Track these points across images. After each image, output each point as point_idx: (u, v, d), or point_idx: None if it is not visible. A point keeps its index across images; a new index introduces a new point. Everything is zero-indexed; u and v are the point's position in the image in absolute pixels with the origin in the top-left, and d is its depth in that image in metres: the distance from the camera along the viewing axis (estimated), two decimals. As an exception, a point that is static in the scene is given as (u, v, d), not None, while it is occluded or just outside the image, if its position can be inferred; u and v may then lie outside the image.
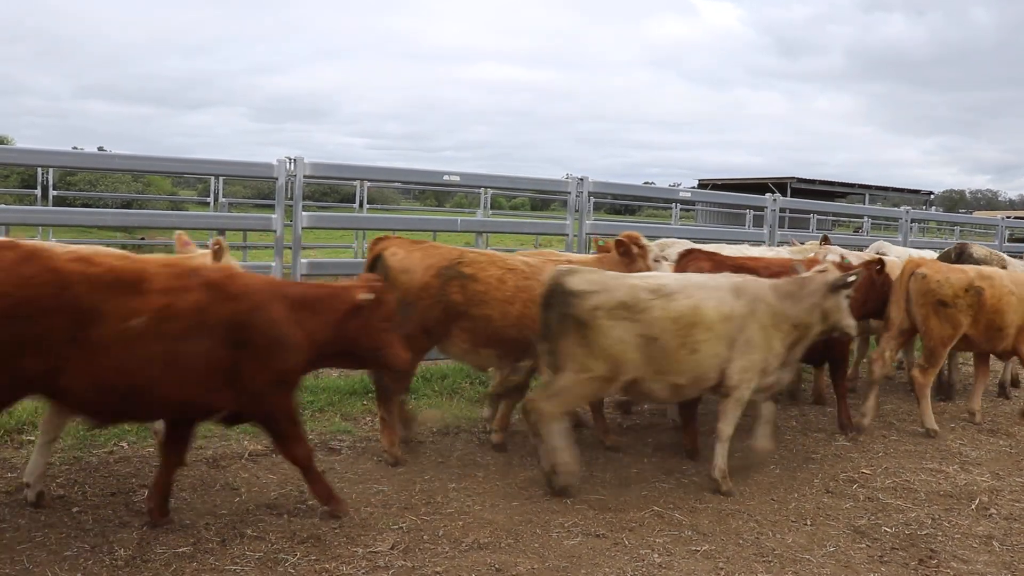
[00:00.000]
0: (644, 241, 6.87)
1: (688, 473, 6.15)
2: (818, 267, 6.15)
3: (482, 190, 18.08)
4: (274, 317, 4.63)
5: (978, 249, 9.61)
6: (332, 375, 7.99)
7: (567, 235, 8.89)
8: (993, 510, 5.75)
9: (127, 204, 22.78)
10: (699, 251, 7.52)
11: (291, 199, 7.47)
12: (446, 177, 8.26)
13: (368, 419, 6.91)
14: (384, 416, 6.09)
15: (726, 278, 5.89)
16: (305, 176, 7.45)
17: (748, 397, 5.81)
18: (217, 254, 5.48)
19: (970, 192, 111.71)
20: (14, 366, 4.04)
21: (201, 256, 5.49)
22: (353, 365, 5.87)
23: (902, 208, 13.00)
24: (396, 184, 24.79)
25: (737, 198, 16.91)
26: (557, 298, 5.44)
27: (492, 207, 20.81)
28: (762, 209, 11.15)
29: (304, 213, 7.58)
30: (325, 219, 9.42)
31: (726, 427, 5.80)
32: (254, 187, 34.27)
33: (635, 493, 5.70)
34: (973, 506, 5.80)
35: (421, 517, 5.07)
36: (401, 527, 4.90)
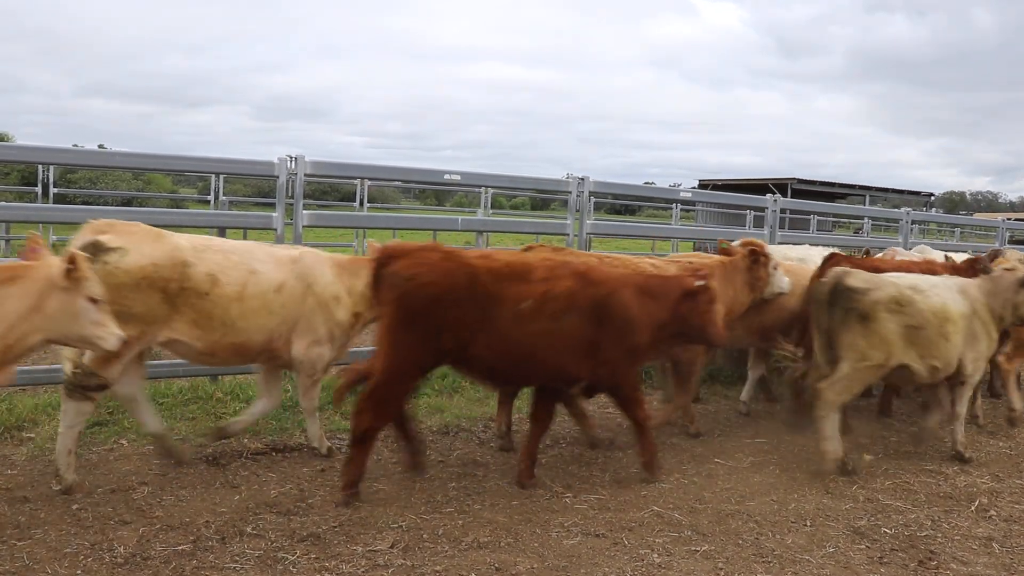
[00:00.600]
0: (768, 249, 7.46)
1: (688, 473, 6.15)
2: (1006, 265, 7.07)
3: (483, 189, 18.09)
4: (626, 301, 5.60)
5: (1013, 253, 9.66)
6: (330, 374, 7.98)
7: (568, 235, 8.88)
8: (993, 512, 5.75)
9: (127, 202, 22.78)
10: (842, 256, 8.11)
11: (292, 197, 7.46)
12: (447, 176, 8.26)
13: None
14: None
15: (949, 279, 6.82)
16: (306, 175, 7.44)
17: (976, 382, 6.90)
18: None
19: (970, 194, 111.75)
20: (438, 341, 5.14)
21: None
22: (679, 343, 6.51)
23: (903, 210, 13.01)
24: (397, 183, 24.80)
25: (737, 198, 16.88)
26: (841, 295, 6.21)
27: (492, 207, 20.82)
28: (763, 210, 11.14)
29: (305, 212, 7.57)
30: (326, 218, 9.39)
31: (961, 409, 6.72)
32: (254, 185, 34.29)
33: (635, 493, 5.70)
34: (973, 508, 5.79)
35: (421, 516, 5.07)
36: (401, 526, 4.90)
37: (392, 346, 5.17)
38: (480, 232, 9.49)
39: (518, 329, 5.27)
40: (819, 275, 7.06)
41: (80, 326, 4.40)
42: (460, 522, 5.03)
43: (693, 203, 26.12)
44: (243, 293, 5.45)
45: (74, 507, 4.90)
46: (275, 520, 4.88)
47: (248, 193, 32.68)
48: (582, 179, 8.71)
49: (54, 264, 4.34)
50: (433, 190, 33.68)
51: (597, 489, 5.73)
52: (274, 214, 7.45)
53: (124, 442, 6.05)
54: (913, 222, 12.99)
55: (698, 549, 4.84)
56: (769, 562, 4.72)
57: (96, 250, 4.98)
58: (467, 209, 21.77)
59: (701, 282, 5.86)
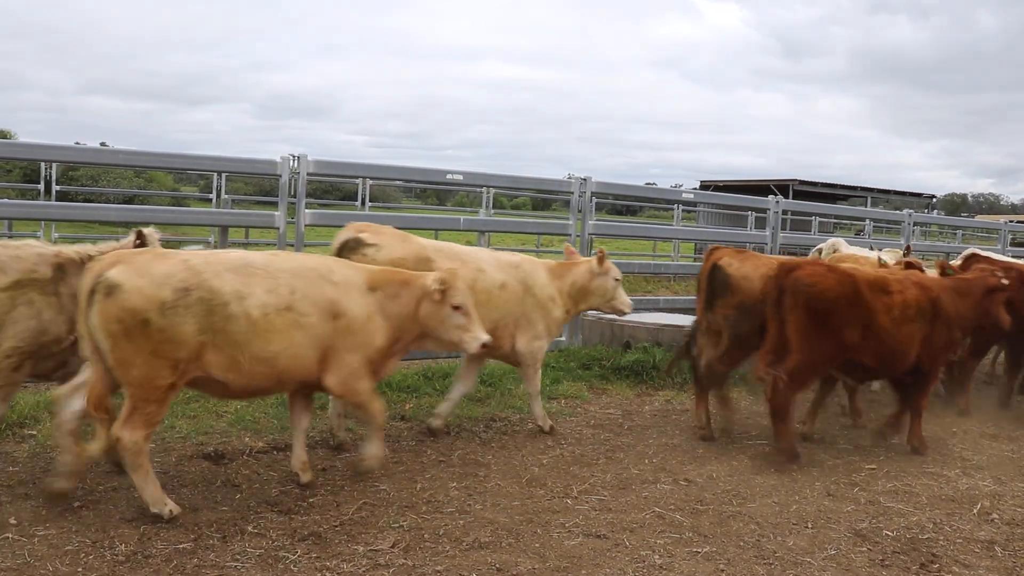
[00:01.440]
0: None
1: (689, 474, 6.14)
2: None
3: (484, 189, 18.08)
4: (946, 302, 6.86)
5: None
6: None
7: (569, 235, 8.88)
8: (995, 515, 5.74)
9: (129, 200, 22.79)
10: (982, 255, 8.97)
11: (294, 196, 7.47)
12: (449, 176, 8.27)
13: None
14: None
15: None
16: (308, 174, 7.45)
17: None
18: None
19: (972, 196, 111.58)
20: (840, 336, 6.41)
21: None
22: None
23: (905, 211, 12.99)
24: (398, 182, 24.81)
25: (739, 199, 16.85)
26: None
27: (493, 206, 20.84)
28: (765, 211, 11.14)
29: (307, 211, 7.57)
30: (328, 217, 9.38)
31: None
32: (256, 184, 34.27)
33: (636, 494, 5.69)
34: (975, 511, 5.78)
35: (422, 516, 5.07)
36: (402, 526, 4.90)
37: (803, 339, 6.38)
38: (482, 232, 9.45)
39: (891, 329, 6.53)
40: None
41: (446, 330, 5.46)
42: (461, 522, 5.02)
43: (695, 204, 26.11)
44: (472, 288, 6.01)
45: (75, 504, 4.90)
46: (276, 519, 4.88)
47: (250, 192, 32.68)
48: (584, 179, 8.71)
49: (428, 277, 5.42)
50: (435, 190, 33.71)
51: (598, 490, 5.72)
52: (276, 213, 7.47)
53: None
54: (915, 224, 12.96)
55: (699, 551, 4.83)
56: (771, 564, 4.71)
57: (357, 244, 6.25)
58: (469, 209, 21.74)
59: (1005, 282, 7.24)
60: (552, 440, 6.79)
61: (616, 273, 7.12)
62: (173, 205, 23.30)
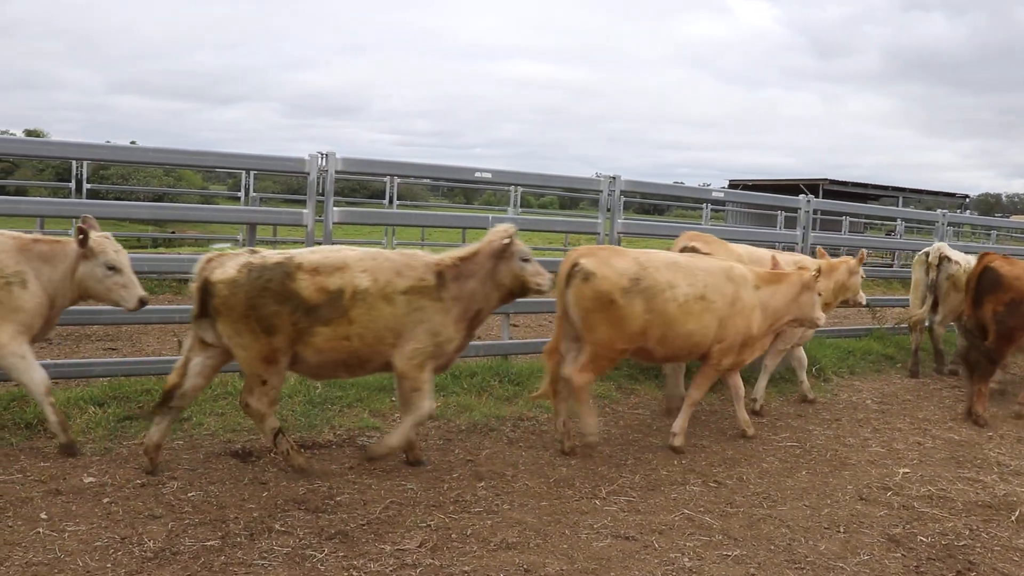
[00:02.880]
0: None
1: (719, 476, 6.07)
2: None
3: (513, 188, 18.03)
4: None
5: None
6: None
7: (599, 234, 8.82)
8: (1033, 522, 5.62)
9: (158, 198, 22.97)
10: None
11: (322, 194, 7.46)
12: (478, 174, 8.23)
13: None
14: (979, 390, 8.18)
15: None
16: (337, 171, 7.43)
17: None
18: None
19: (1007, 196, 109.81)
20: None
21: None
22: None
23: (939, 211, 12.81)
24: (426, 180, 24.83)
25: (769, 199, 16.67)
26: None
27: (521, 205, 20.78)
28: (795, 210, 11.00)
29: (335, 208, 7.56)
30: (356, 215, 9.34)
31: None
32: (284, 182, 34.44)
33: (665, 496, 5.63)
34: (1013, 517, 5.66)
35: (449, 516, 5.04)
36: (429, 525, 4.87)
37: None
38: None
39: None
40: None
41: (809, 314, 6.93)
42: (489, 522, 4.99)
43: (723, 203, 25.96)
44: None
45: (105, 500, 4.91)
46: (303, 517, 4.87)
47: (278, 190, 32.83)
48: (613, 178, 8.65)
49: (804, 274, 6.83)
50: (462, 188, 33.73)
51: (627, 491, 5.67)
52: (304, 211, 7.46)
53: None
54: (948, 224, 12.76)
55: (729, 554, 4.76)
56: (802, 568, 4.64)
57: (694, 252, 7.38)
58: (497, 208, 21.71)
59: None
60: (580, 440, 6.72)
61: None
62: (202, 203, 23.47)
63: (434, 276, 5.53)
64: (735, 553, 4.77)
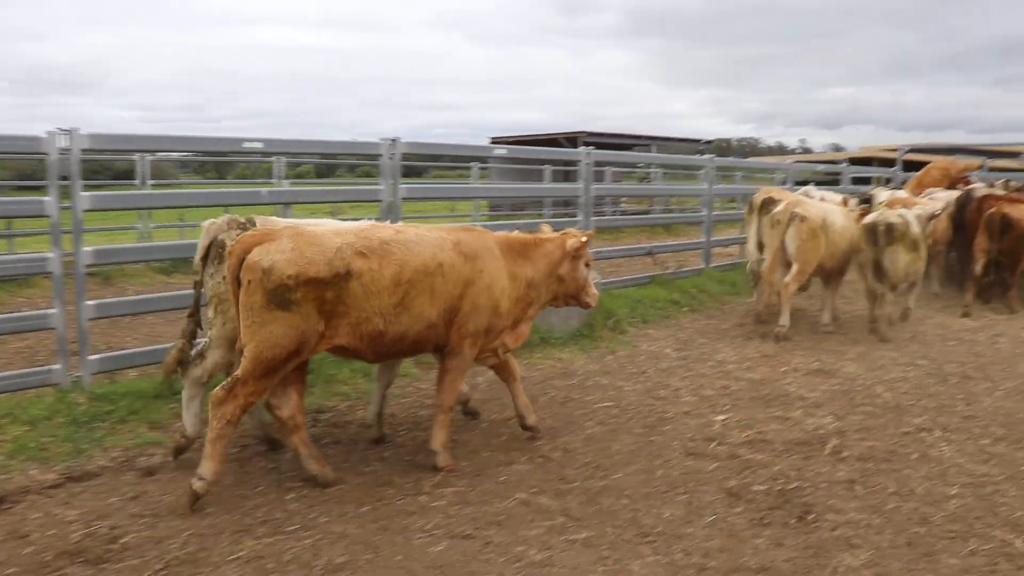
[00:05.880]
0: None
1: (544, 450, 5.74)
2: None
3: (276, 159, 16.89)
4: None
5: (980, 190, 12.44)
6: (130, 375, 6.97)
7: (381, 201, 8.20)
8: (846, 452, 5.73)
9: None
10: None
11: (66, 178, 6.34)
12: (246, 145, 7.36)
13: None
14: None
15: None
16: (83, 151, 6.34)
17: None
18: None
19: (736, 140, 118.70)
20: None
21: None
22: None
23: (707, 156, 13.26)
24: (175, 156, 22.97)
25: (551, 153, 16.58)
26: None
27: (280, 177, 19.67)
28: (573, 164, 10.88)
29: (83, 194, 6.43)
30: (109, 199, 7.93)
31: None
32: (14, 168, 30.75)
33: (493, 480, 5.22)
34: (827, 451, 5.76)
35: (261, 541, 4.35)
36: (239, 557, 4.18)
37: None
38: (287, 204, 8.54)
39: None
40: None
41: None
42: (308, 542, 4.35)
43: (486, 161, 25.85)
44: None
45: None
46: (81, 572, 4.03)
47: (7, 176, 29.28)
48: (394, 141, 8.05)
49: None
50: (214, 163, 31.65)
51: (452, 481, 5.20)
52: (46, 198, 6.32)
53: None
54: (716, 169, 13.22)
55: (576, 537, 4.42)
56: (654, 542, 4.38)
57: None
58: (259, 181, 20.23)
59: None
60: (389, 428, 6.19)
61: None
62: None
63: None
64: (583, 536, 4.44)
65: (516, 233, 5.88)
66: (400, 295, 4.90)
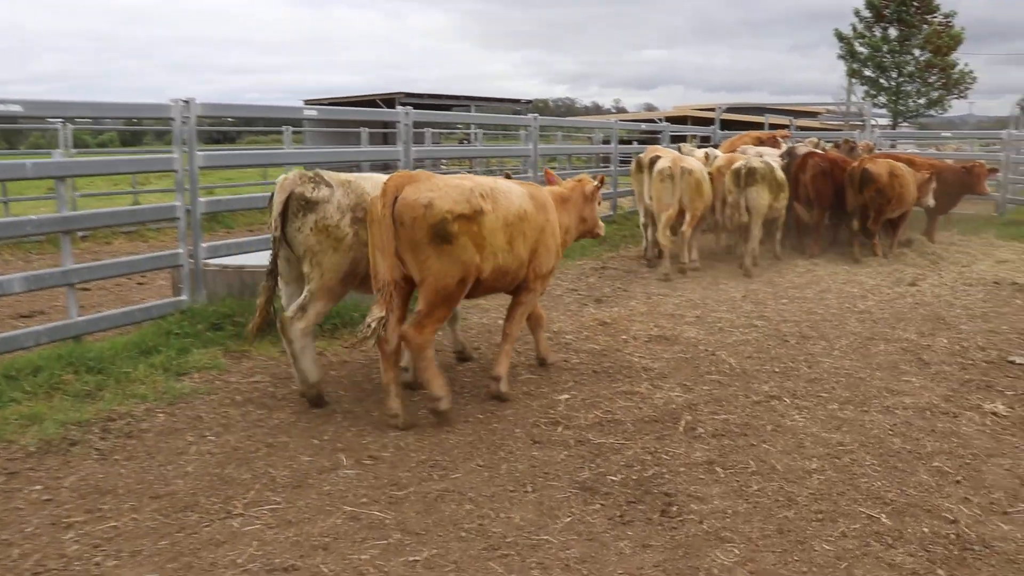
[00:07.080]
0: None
1: (372, 449, 5.05)
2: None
3: (61, 123, 15.07)
4: None
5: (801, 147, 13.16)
6: None
7: (176, 170, 7.18)
8: (700, 429, 5.38)
9: None
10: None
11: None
12: (2, 108, 6.17)
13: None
14: None
15: None
16: None
17: None
18: None
19: (552, 100, 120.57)
20: None
21: None
22: None
23: (531, 116, 12.79)
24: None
25: (369, 113, 15.60)
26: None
27: (75, 146, 17.78)
28: (392, 125, 10.13)
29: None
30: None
31: None
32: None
33: (317, 490, 4.50)
34: (681, 428, 5.38)
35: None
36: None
37: None
38: (61, 178, 7.26)
39: None
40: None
41: None
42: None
43: (301, 124, 24.57)
44: None
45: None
46: None
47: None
48: (187, 102, 7.03)
49: None
50: (-3, 132, 28.51)
51: (268, 496, 4.43)
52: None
53: None
54: (540, 128, 12.80)
55: (417, 558, 3.78)
56: (507, 556, 3.80)
57: None
58: (41, 151, 18.12)
59: None
60: (192, 434, 5.33)
61: None
62: None
63: None
64: (424, 555, 3.80)
65: (553, 187, 6.64)
66: (508, 235, 5.52)
